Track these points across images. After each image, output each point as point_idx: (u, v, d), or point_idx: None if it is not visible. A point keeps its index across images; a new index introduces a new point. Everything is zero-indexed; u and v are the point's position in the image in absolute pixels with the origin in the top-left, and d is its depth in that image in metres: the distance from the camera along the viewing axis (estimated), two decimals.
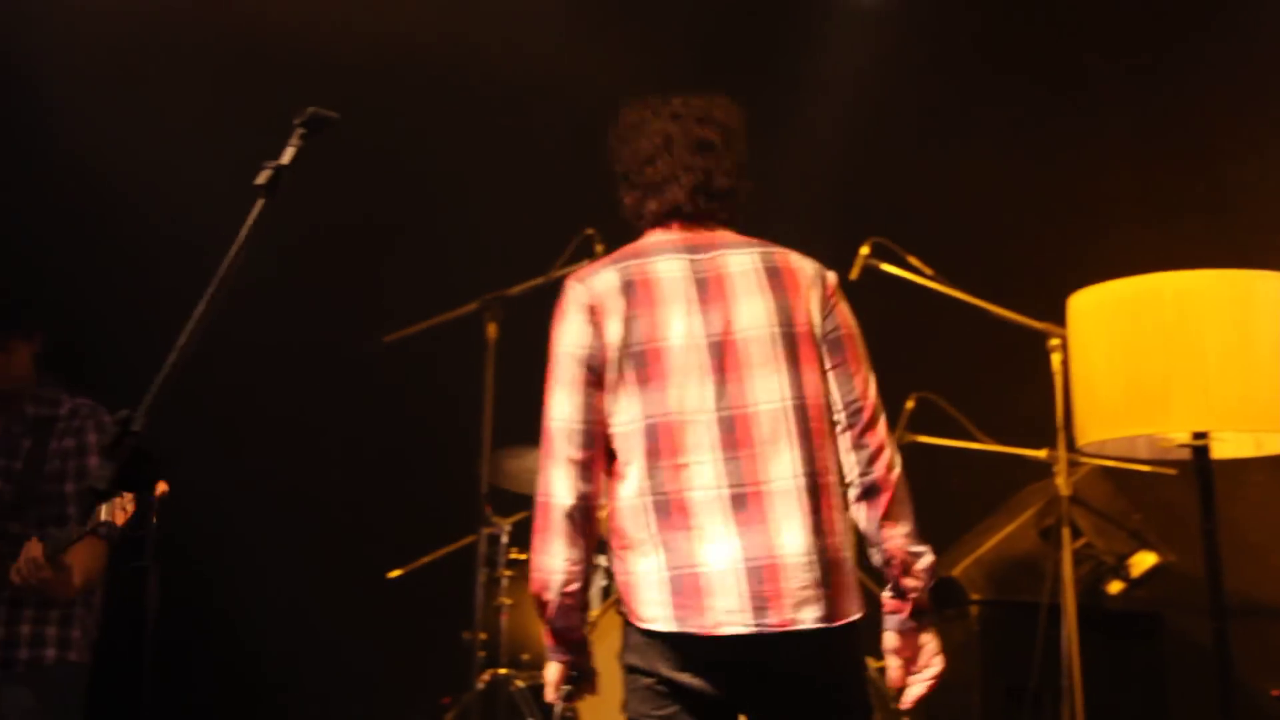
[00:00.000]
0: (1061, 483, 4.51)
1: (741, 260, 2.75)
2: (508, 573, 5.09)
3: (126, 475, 2.18)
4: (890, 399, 5.23)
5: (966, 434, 5.07)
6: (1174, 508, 4.95)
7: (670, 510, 2.62)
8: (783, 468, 2.65)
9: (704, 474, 2.62)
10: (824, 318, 2.78)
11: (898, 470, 2.82)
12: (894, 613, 2.81)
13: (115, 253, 5.56)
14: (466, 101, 6.07)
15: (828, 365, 2.76)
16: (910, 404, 5.14)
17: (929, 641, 2.81)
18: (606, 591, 5.34)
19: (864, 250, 4.80)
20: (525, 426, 5.20)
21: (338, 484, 5.96)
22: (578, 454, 2.65)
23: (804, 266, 2.81)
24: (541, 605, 2.70)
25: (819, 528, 2.67)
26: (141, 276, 5.52)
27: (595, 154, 6.29)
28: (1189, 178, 5.58)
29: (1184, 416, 3.52)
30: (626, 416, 2.66)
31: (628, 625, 2.71)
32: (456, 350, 5.08)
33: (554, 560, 2.66)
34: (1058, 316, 4.35)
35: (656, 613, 2.61)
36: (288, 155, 2.42)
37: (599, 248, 4.81)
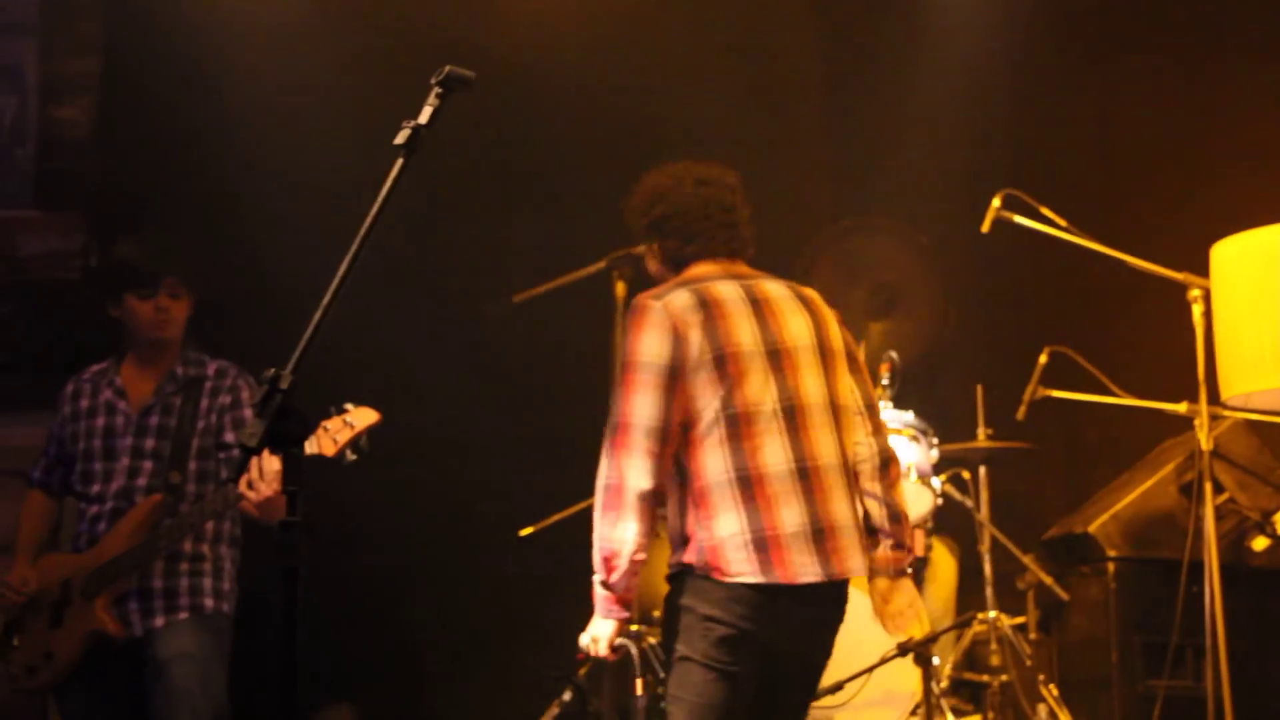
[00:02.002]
0: (1203, 437, 4.39)
1: (776, 287, 3.36)
2: None
3: (275, 433, 2.23)
4: (1023, 353, 5.23)
5: (1102, 388, 4.97)
6: None
7: (750, 483, 3.13)
8: (829, 448, 3.22)
9: (774, 452, 3.15)
10: (840, 336, 3.39)
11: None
12: (895, 562, 3.36)
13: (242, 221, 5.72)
14: (593, 63, 6.09)
15: (848, 373, 3.37)
16: (1043, 358, 5.06)
17: (908, 588, 3.40)
18: None
19: (995, 203, 4.70)
20: None
21: (468, 443, 6.03)
22: (656, 447, 3.14)
23: (818, 296, 3.45)
24: (609, 570, 3.19)
25: (852, 498, 3.26)
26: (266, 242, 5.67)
27: (721, 116, 6.30)
28: None
29: None
30: (708, 409, 3.15)
31: (706, 580, 3.15)
32: (585, 309, 5.11)
33: (626, 533, 3.14)
34: (1198, 266, 4.23)
35: (743, 568, 3.10)
36: (425, 114, 2.44)
37: None
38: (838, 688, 4.53)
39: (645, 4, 6.06)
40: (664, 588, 5.11)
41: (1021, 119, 6.05)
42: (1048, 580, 5.24)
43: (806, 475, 3.16)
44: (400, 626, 5.95)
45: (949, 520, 5.49)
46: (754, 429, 3.15)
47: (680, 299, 3.23)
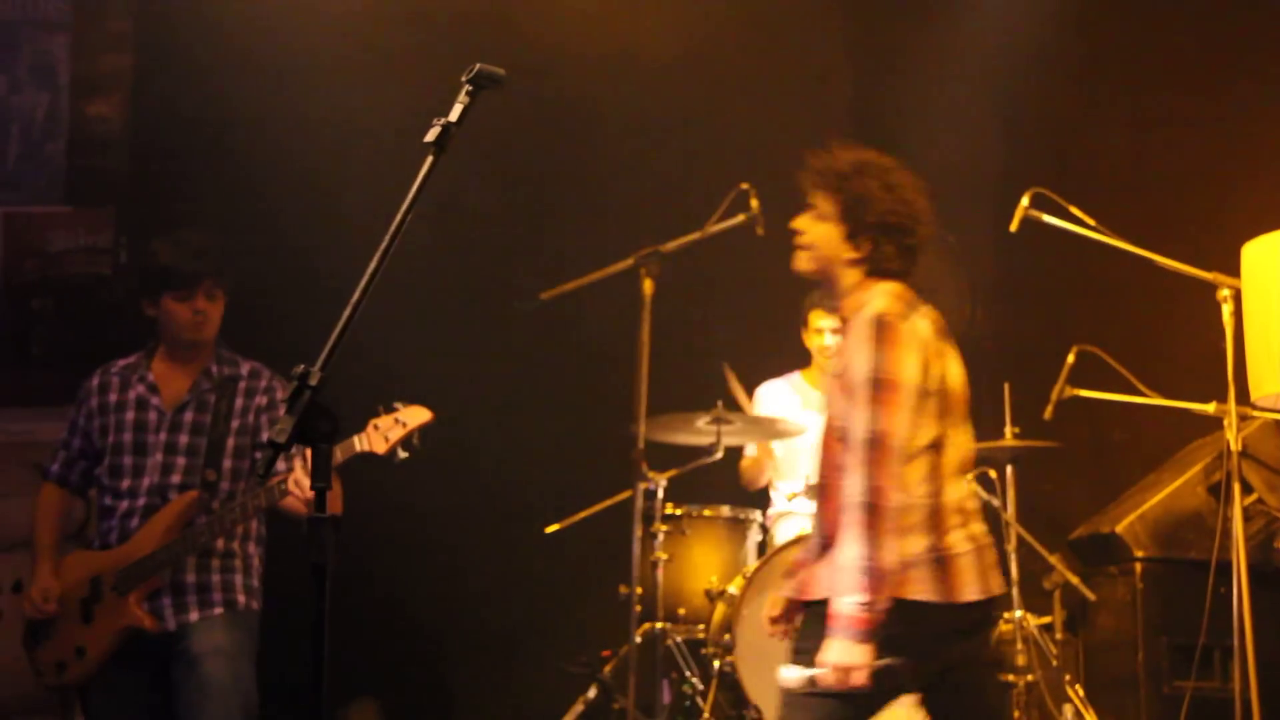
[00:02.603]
0: (1232, 437, 4.36)
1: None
2: (663, 528, 5.12)
3: (304, 429, 2.23)
4: (1050, 352, 5.21)
5: (1131, 388, 4.95)
6: None
7: (937, 509, 3.17)
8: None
9: (953, 484, 3.23)
10: None
11: None
12: None
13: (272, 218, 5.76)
14: (620, 64, 6.09)
15: None
16: (1071, 358, 5.04)
17: None
18: (762, 548, 5.36)
19: (1024, 201, 4.66)
20: (680, 382, 5.27)
21: (495, 440, 6.05)
22: (902, 468, 3.14)
23: None
24: (875, 591, 3.04)
25: None
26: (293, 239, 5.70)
27: (749, 114, 6.30)
28: None
29: None
30: (922, 436, 3.17)
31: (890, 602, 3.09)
32: (612, 306, 5.11)
33: (891, 554, 3.08)
34: (1228, 266, 4.21)
35: (921, 586, 3.12)
36: (456, 112, 2.44)
37: (754, 202, 4.77)
38: None
39: (674, 6, 6.06)
40: (693, 585, 5.17)
41: (1050, 117, 6.02)
42: (1074, 580, 5.22)
43: (963, 508, 3.24)
44: (425, 623, 5.97)
45: None
46: (947, 460, 3.21)
47: (922, 326, 3.24)
